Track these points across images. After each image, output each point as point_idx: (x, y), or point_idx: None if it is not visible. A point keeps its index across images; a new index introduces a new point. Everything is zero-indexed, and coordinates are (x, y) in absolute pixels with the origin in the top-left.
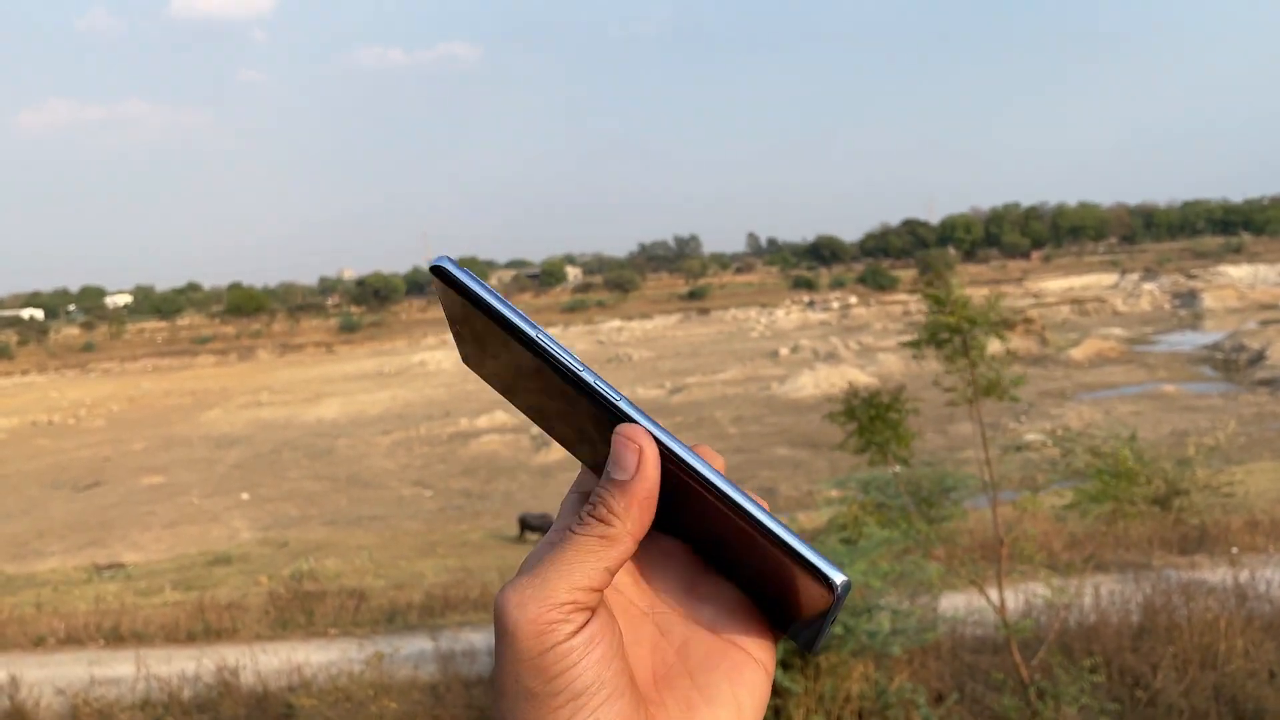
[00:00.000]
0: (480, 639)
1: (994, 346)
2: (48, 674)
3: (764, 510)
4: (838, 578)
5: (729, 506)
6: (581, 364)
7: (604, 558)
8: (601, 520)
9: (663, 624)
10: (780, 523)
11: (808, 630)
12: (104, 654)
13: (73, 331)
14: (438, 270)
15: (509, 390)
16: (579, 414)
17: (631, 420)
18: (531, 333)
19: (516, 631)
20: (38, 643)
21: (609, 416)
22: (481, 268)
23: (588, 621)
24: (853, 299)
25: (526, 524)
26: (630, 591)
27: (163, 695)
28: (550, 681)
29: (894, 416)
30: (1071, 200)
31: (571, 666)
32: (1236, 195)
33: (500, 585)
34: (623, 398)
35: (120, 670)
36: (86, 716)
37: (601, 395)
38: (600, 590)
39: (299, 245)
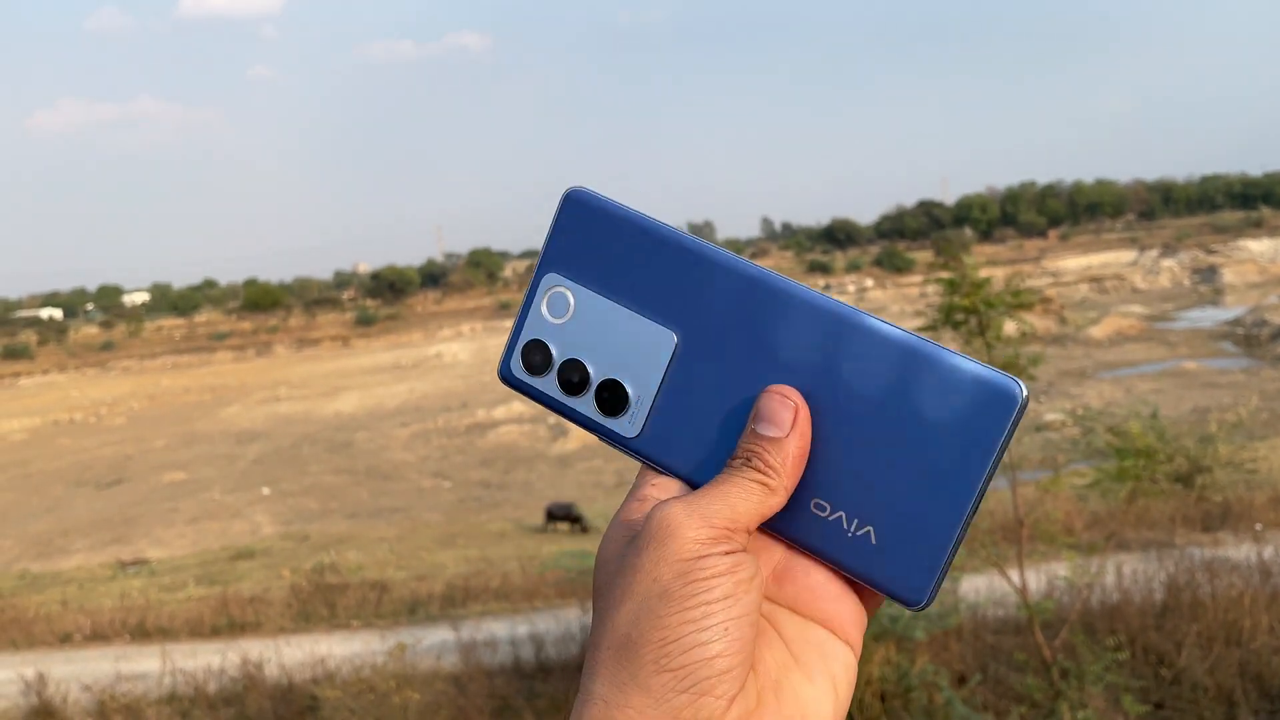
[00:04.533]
0: (501, 629)
1: (1009, 328)
2: (74, 670)
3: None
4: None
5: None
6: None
7: (762, 504)
8: (761, 471)
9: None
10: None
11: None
12: (130, 649)
13: (91, 330)
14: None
15: None
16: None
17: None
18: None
19: (674, 537)
20: (64, 639)
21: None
22: (496, 258)
23: (736, 552)
24: (869, 282)
25: (552, 514)
26: None
27: (188, 689)
28: (690, 584)
29: None
30: (1088, 177)
31: (715, 576)
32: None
33: (521, 574)
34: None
35: (146, 665)
36: (113, 712)
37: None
38: (749, 534)
39: (313, 240)
